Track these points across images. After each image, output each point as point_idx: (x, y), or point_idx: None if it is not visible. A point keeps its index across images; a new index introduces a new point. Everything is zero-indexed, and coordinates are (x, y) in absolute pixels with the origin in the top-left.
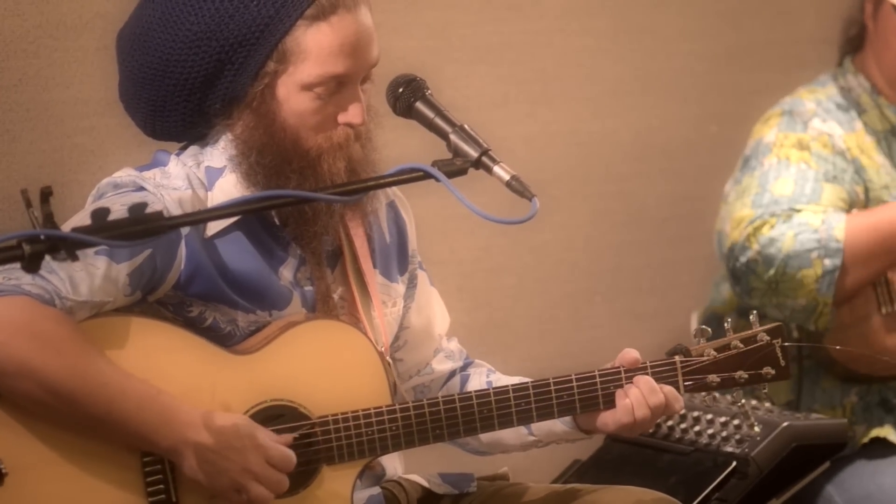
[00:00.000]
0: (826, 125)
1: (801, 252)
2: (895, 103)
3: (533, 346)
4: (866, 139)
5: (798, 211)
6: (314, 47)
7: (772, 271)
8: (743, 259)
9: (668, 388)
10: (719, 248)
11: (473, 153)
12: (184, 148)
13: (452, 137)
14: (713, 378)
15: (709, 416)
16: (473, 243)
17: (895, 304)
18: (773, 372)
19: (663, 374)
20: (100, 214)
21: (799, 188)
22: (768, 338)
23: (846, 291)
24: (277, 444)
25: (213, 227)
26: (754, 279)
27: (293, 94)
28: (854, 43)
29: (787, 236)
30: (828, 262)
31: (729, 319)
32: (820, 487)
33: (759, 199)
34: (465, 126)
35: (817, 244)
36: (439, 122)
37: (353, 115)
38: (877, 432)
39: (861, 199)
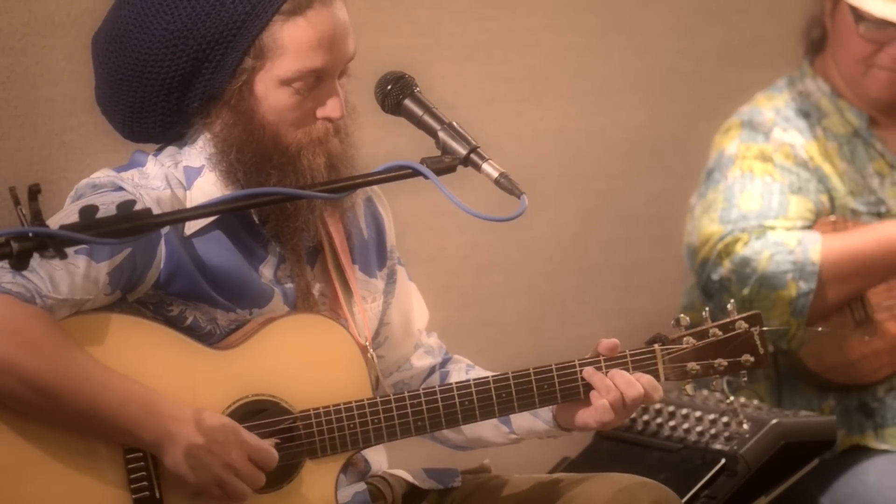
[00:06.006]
0: (787, 135)
1: (777, 273)
2: (856, 105)
3: (521, 344)
4: (828, 145)
5: (770, 228)
6: (291, 42)
7: (746, 290)
8: (715, 276)
9: (647, 379)
10: (690, 261)
11: (462, 150)
12: (161, 149)
13: (441, 135)
14: (693, 366)
15: (697, 414)
16: (462, 240)
17: (868, 312)
18: (752, 359)
19: (643, 363)
20: (87, 212)
21: (766, 202)
22: (746, 325)
23: (820, 313)
24: (261, 441)
25: (193, 226)
26: (727, 297)
27: (271, 89)
28: (816, 45)
29: (762, 256)
30: (803, 284)
31: (707, 308)
32: (804, 488)
33: (727, 214)
34: (454, 123)
35: (793, 266)
36: (428, 119)
37: (331, 109)
38: (857, 440)
39: (827, 208)
